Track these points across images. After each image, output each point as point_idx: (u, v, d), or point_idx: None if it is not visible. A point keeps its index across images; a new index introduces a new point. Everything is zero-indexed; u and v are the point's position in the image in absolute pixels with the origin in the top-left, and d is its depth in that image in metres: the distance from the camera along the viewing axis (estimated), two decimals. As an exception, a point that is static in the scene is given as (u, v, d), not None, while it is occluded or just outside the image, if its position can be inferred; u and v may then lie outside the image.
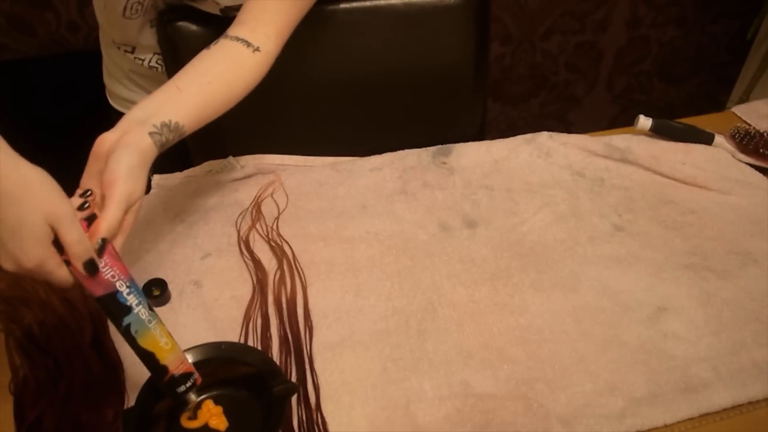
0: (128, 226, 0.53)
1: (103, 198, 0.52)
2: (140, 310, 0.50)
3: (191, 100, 0.62)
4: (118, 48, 0.90)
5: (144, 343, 0.50)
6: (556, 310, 0.67)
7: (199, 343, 0.58)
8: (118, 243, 0.51)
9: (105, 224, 0.50)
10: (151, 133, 0.56)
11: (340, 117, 0.97)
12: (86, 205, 0.50)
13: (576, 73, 1.96)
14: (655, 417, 0.57)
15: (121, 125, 0.57)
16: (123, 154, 0.53)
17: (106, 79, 0.98)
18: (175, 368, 0.52)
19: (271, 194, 0.84)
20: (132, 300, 0.50)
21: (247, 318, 0.67)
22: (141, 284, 0.67)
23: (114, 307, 0.49)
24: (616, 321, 0.66)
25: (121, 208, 0.51)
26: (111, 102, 1.00)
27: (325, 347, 0.64)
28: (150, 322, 0.51)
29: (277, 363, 0.62)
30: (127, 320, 0.50)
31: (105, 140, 0.55)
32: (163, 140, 0.57)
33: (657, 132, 0.91)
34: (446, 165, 0.89)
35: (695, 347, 0.63)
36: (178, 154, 0.91)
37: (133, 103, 0.97)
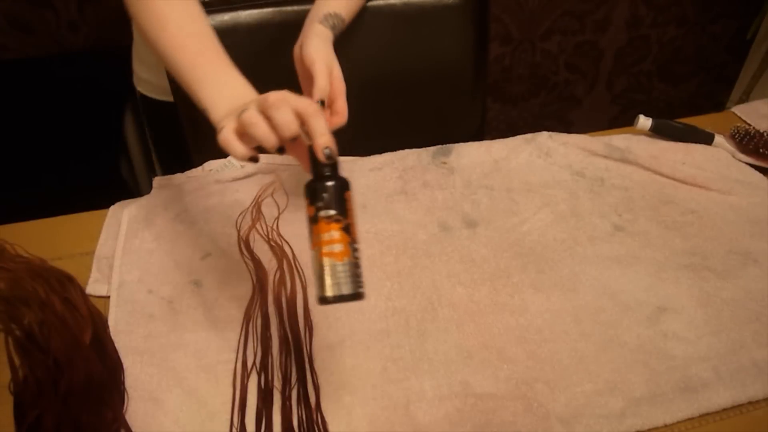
0: (339, 86, 0.69)
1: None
2: None
3: None
4: None
5: None
6: (555, 310, 0.67)
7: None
8: (339, 104, 0.68)
9: (318, 90, 0.66)
10: (320, 22, 0.75)
11: (340, 117, 0.97)
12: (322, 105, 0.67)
13: (576, 73, 1.96)
14: (655, 417, 0.57)
15: (302, 31, 0.75)
16: (308, 42, 0.71)
17: (136, 66, 0.98)
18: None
19: (271, 194, 0.84)
20: None
21: (247, 318, 0.67)
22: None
23: None
24: (616, 321, 0.66)
25: (324, 75, 0.67)
26: (138, 87, 0.99)
27: (325, 347, 0.64)
28: None
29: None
30: None
31: (295, 50, 0.74)
32: (331, 23, 0.75)
33: (657, 132, 0.91)
34: (446, 165, 0.89)
35: (695, 347, 0.63)
36: (178, 154, 0.92)
37: (160, 87, 0.96)
